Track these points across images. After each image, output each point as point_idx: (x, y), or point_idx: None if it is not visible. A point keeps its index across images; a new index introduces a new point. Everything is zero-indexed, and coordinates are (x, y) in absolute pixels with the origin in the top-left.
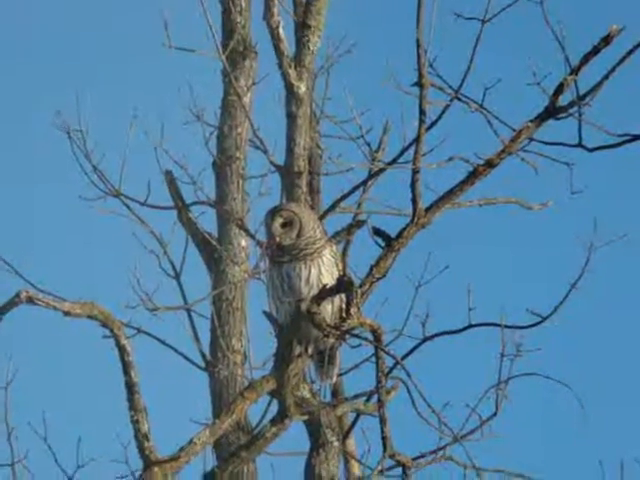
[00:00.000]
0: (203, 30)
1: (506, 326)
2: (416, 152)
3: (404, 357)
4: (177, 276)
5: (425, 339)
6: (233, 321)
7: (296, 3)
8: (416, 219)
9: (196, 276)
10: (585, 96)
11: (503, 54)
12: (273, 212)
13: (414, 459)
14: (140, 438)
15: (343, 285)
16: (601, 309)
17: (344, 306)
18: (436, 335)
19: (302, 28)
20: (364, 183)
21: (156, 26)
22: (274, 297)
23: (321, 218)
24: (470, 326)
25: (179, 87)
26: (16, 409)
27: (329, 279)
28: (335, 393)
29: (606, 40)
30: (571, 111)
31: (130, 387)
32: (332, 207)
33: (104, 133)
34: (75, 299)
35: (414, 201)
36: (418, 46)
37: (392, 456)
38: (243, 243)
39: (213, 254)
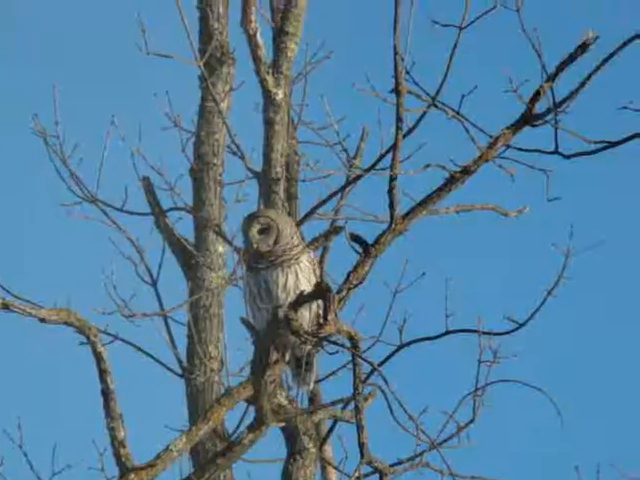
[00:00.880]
0: (181, 36)
1: (483, 332)
2: (393, 159)
3: (381, 364)
4: (154, 282)
5: (402, 345)
6: (210, 328)
7: (274, 10)
8: (393, 225)
9: (173, 282)
10: (562, 103)
11: (480, 61)
12: (250, 218)
13: (391, 466)
14: (116, 445)
15: (320, 291)
16: (578, 315)
17: (321, 313)
18: (413, 341)
19: (280, 35)
20: (342, 189)
21: (133, 31)
22: (251, 304)
23: (299, 224)
24: (447, 332)
25: (156, 93)
26: None
27: (306, 285)
28: (312, 400)
29: (582, 48)
30: (548, 118)
31: (106, 394)
32: (310, 213)
33: (81, 138)
34: (51, 305)
35: (391, 207)
36: (395, 53)
37: (369, 463)
38: (220, 249)
39: (190, 260)
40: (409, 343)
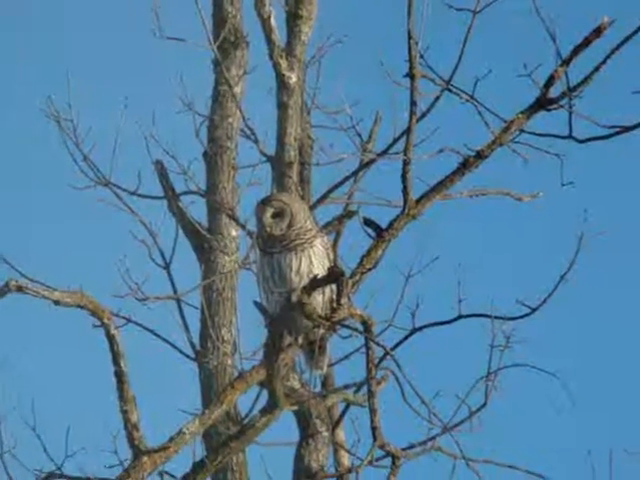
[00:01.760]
0: (194, 20)
1: (496, 317)
2: (407, 143)
3: (394, 348)
4: (167, 266)
5: (415, 330)
6: (223, 311)
7: None
8: (407, 210)
9: (186, 266)
10: (576, 88)
11: (494, 45)
12: (264, 202)
13: (404, 449)
14: (129, 428)
15: (334, 275)
16: (591, 300)
17: (334, 297)
18: (426, 326)
19: (293, 18)
20: (355, 174)
21: (148, 15)
22: (265, 287)
23: (312, 208)
24: (460, 317)
25: (170, 77)
26: (5, 398)
27: (320, 270)
28: (325, 383)
29: (597, 32)
30: (562, 103)
31: (119, 377)
32: (323, 197)
33: (95, 122)
34: (65, 288)
35: (405, 192)
36: (409, 37)
37: (382, 446)
38: (233, 233)
39: (203, 244)
40: (422, 327)
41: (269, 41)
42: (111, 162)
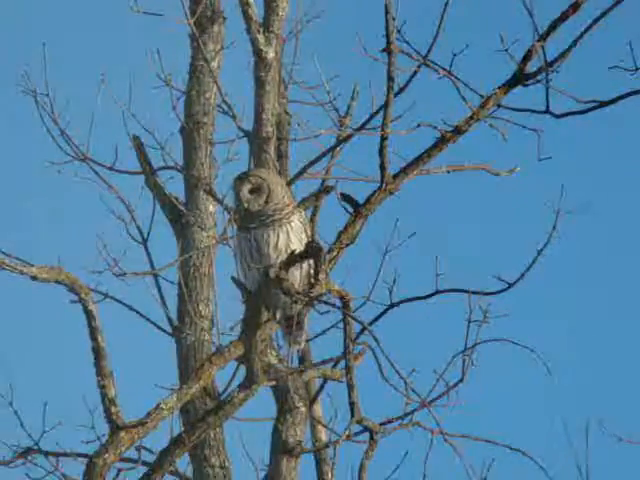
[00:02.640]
0: None
1: (473, 292)
2: (384, 118)
3: (371, 323)
4: (144, 241)
5: (392, 305)
6: (201, 287)
7: None
8: (384, 185)
9: (163, 241)
10: (553, 63)
11: (471, 20)
12: (241, 178)
13: (381, 424)
14: (107, 403)
15: (311, 251)
16: (568, 275)
17: (312, 272)
18: (403, 301)
19: None
20: (332, 149)
21: None
22: (242, 263)
23: (289, 184)
24: (437, 292)
25: (147, 52)
26: None
27: (297, 245)
28: (302, 359)
29: (574, 7)
30: (539, 78)
31: (97, 352)
32: (300, 173)
33: (71, 97)
34: (42, 264)
35: (382, 167)
36: (386, 12)
37: (360, 421)
38: (211, 209)
39: (181, 219)
40: (399, 303)
41: (246, 16)
42: (88, 137)
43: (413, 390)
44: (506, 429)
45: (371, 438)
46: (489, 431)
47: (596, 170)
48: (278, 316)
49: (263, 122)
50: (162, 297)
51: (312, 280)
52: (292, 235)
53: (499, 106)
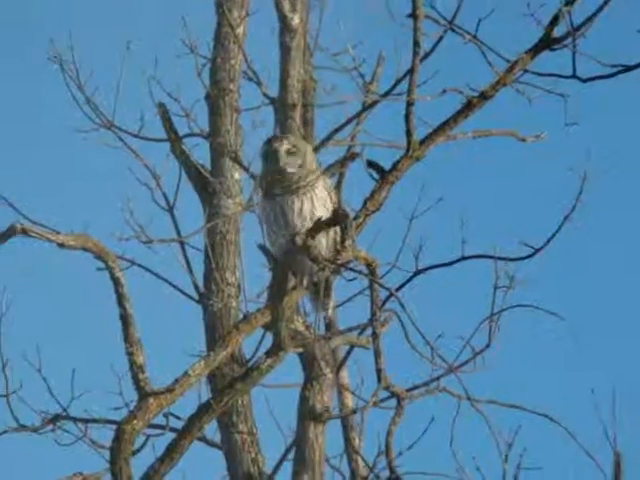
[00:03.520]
0: None
1: (499, 258)
2: (410, 84)
3: (398, 289)
4: (170, 209)
5: (418, 272)
6: (227, 254)
7: None
8: (410, 151)
9: (189, 209)
10: (580, 27)
11: None
12: (279, 137)
13: (408, 390)
14: (135, 370)
15: (338, 218)
16: (595, 240)
17: (339, 239)
18: (429, 268)
19: None
20: (358, 115)
21: None
22: (268, 230)
23: (315, 150)
24: (463, 258)
25: (172, 19)
26: (10, 340)
27: (322, 212)
28: (329, 326)
29: None
30: (566, 42)
31: (124, 319)
32: (326, 139)
33: (97, 65)
34: (69, 231)
35: (408, 133)
36: None
37: (386, 388)
38: (237, 176)
39: (207, 187)
40: (425, 269)
41: None
42: (114, 105)
43: (440, 356)
44: (533, 395)
45: (398, 404)
46: (516, 397)
47: (623, 134)
48: (305, 283)
49: (288, 89)
50: (189, 264)
51: (339, 247)
52: (316, 202)
53: (525, 71)
